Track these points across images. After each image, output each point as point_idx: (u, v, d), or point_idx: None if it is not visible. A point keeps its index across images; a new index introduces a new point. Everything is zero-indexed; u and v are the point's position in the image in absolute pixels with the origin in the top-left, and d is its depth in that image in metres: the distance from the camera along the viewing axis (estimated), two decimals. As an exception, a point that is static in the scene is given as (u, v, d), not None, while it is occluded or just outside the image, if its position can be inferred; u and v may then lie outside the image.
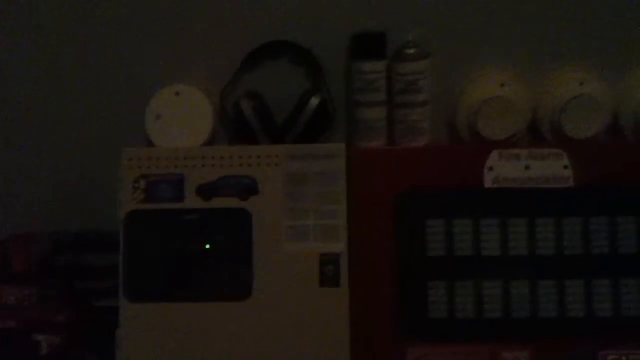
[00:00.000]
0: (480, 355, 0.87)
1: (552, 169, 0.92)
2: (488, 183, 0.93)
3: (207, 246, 0.90)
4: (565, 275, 0.92)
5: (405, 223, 0.93)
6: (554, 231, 0.92)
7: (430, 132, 0.96)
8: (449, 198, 0.93)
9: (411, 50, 0.93)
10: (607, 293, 0.91)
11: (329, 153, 0.91)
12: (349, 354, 0.88)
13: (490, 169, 0.93)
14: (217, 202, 0.90)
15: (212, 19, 0.98)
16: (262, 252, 0.89)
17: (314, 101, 0.94)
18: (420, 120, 0.95)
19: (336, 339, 0.88)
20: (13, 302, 0.97)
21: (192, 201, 0.90)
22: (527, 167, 0.93)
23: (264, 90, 0.97)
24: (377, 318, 0.91)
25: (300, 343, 0.88)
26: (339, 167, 0.91)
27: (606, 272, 0.91)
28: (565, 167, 0.92)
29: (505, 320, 0.91)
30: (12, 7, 1.00)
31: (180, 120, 0.94)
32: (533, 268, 0.92)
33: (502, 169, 0.93)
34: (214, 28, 0.98)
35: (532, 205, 0.92)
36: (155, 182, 0.90)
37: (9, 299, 0.98)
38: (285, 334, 0.88)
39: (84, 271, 0.97)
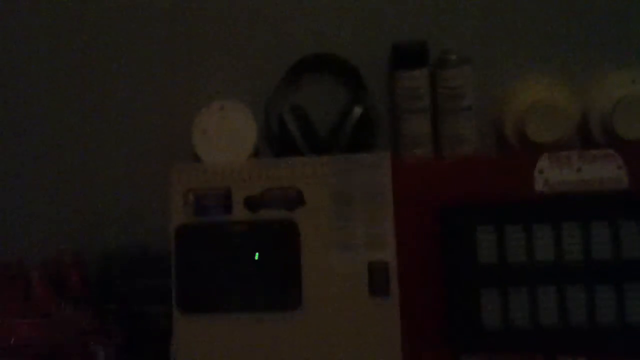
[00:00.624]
0: (537, 365, 0.84)
1: (605, 171, 0.90)
2: (539, 187, 0.91)
3: (256, 257, 0.90)
4: (623, 280, 0.88)
5: (454, 232, 0.91)
6: (610, 234, 0.89)
7: (477, 141, 0.95)
8: (499, 206, 0.91)
9: (453, 56, 0.93)
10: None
11: (374, 162, 0.91)
12: (401, 362, 0.87)
13: (541, 172, 0.91)
14: (265, 214, 0.91)
15: (254, 34, 1.00)
16: (311, 262, 0.89)
17: (357, 111, 0.94)
18: (466, 128, 0.94)
19: (387, 349, 0.87)
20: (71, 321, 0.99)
21: (240, 213, 0.91)
22: (578, 170, 0.90)
23: (307, 104, 0.98)
24: (428, 328, 0.90)
25: (351, 353, 0.87)
26: (384, 175, 0.90)
27: (668, 276, 0.88)
28: (619, 168, 0.90)
29: (561, 328, 0.88)
30: (57, 22, 1.02)
31: (226, 134, 0.95)
32: (589, 273, 0.89)
33: (552, 173, 0.91)
34: (256, 43, 1.00)
35: (585, 209, 0.90)
36: (203, 197, 0.92)
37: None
38: (336, 344, 0.88)
39: (138, 294, 0.98)
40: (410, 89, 0.93)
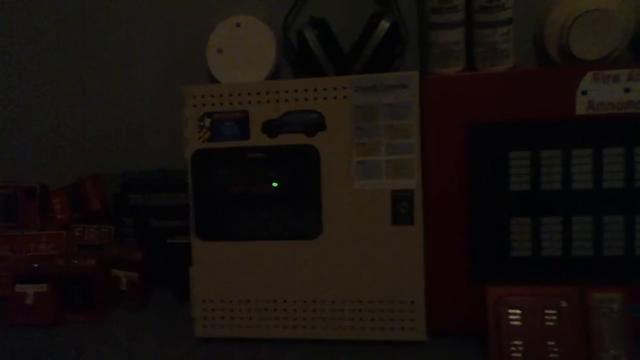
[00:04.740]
0: (568, 297, 0.80)
1: None
2: (581, 109, 0.83)
3: (275, 184, 0.87)
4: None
5: (485, 155, 0.86)
6: (656, 162, 0.82)
7: (515, 55, 0.87)
8: (536, 127, 0.85)
9: (491, -37, 0.83)
10: None
11: (400, 83, 0.84)
12: (424, 295, 0.85)
13: (584, 93, 0.83)
14: (284, 139, 0.87)
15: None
16: (332, 190, 0.86)
17: (384, 24, 0.86)
18: (504, 42, 0.86)
19: (410, 278, 0.85)
20: (94, 241, 1.00)
21: (258, 138, 0.87)
22: (626, 90, 0.82)
23: (329, 16, 0.90)
24: (454, 257, 0.86)
25: (373, 283, 0.86)
26: (411, 97, 0.84)
27: None
28: None
29: (596, 259, 0.84)
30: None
31: (243, 53, 0.90)
32: (629, 202, 0.83)
33: (597, 93, 0.83)
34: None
35: (630, 133, 0.83)
36: (220, 121, 0.88)
37: (90, 238, 1.01)
38: (357, 273, 0.86)
39: (156, 210, 0.97)
40: (444, 0, 0.84)
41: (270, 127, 0.87)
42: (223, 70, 0.90)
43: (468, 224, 0.86)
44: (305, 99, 0.86)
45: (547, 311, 0.79)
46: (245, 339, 0.88)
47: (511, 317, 0.79)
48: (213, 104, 0.88)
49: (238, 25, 0.90)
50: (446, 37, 0.87)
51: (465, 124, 0.86)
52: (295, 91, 0.86)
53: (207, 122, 0.88)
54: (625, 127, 0.83)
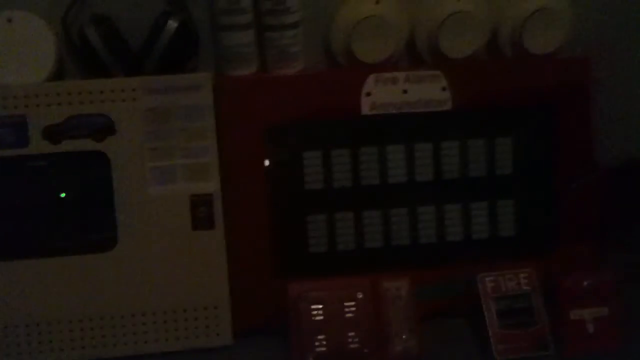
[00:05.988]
0: (362, 287, 0.85)
1: (430, 92, 0.89)
2: (365, 110, 0.88)
3: (62, 195, 0.80)
4: (444, 200, 0.90)
5: (280, 156, 0.88)
6: (432, 156, 0.90)
7: (305, 58, 0.89)
8: (326, 127, 0.88)
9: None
10: (484, 215, 0.91)
11: (193, 84, 0.82)
12: (229, 297, 0.84)
13: (368, 94, 0.88)
14: (69, 146, 0.80)
15: None
16: (125, 198, 0.82)
17: (172, 24, 0.84)
18: (293, 44, 0.88)
19: (214, 283, 0.84)
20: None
21: (38, 146, 0.80)
22: (404, 92, 0.89)
23: (114, 14, 0.85)
24: (255, 257, 0.87)
25: (177, 292, 0.83)
26: (205, 99, 0.83)
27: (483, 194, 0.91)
28: (444, 89, 0.89)
29: (385, 250, 0.90)
30: None
31: (17, 52, 0.81)
32: (411, 195, 0.90)
33: (379, 95, 0.88)
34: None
35: (410, 131, 0.89)
36: (-7, 126, 0.79)
37: None
38: (159, 284, 0.83)
39: None
40: (232, 2, 0.84)
41: (53, 132, 0.80)
42: (-6, 72, 0.81)
43: (268, 223, 0.87)
44: (92, 102, 0.81)
45: (346, 303, 0.83)
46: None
47: (313, 312, 0.82)
48: (-17, 110, 0.78)
49: (10, 20, 0.81)
50: (236, 39, 0.87)
51: (260, 125, 0.87)
52: (80, 93, 0.80)
53: (-23, 129, 0.79)
54: (405, 126, 0.89)
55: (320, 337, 0.81)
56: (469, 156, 0.90)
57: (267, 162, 0.87)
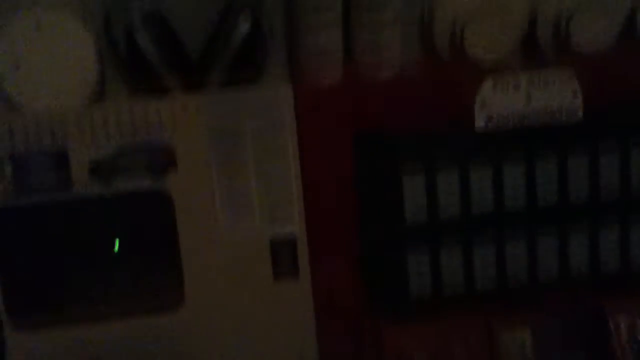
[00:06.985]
0: (474, 336, 0.72)
1: (559, 98, 0.74)
2: (480, 123, 0.74)
3: (116, 247, 0.67)
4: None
5: (373, 181, 0.74)
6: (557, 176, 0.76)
7: (402, 59, 0.73)
8: (430, 144, 0.75)
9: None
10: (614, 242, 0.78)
11: (270, 97, 0.70)
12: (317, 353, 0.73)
13: (483, 103, 0.73)
14: (121, 185, 0.67)
15: None
16: (192, 244, 0.69)
17: (244, 25, 0.68)
18: (388, 45, 0.72)
19: (300, 339, 0.73)
20: None
21: (83, 186, 0.66)
22: (528, 98, 0.74)
23: (169, 12, 0.69)
24: (345, 302, 0.75)
25: (257, 356, 0.71)
26: (284, 115, 0.70)
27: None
28: (575, 94, 0.74)
29: (499, 291, 0.77)
30: None
31: (49, 68, 0.65)
32: (534, 224, 0.76)
33: (497, 106, 0.74)
34: None
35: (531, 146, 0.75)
36: (25, 164, 0.64)
37: None
38: (236, 347, 0.71)
39: None
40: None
41: (101, 170, 0.66)
42: (25, 93, 0.65)
43: (359, 263, 0.75)
44: (146, 127, 0.67)
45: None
46: None
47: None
48: (14, 141, 0.65)
49: (38, 28, 0.64)
50: (320, 39, 0.72)
51: (349, 143, 0.73)
52: (131, 116, 0.66)
53: (8, 168, 0.65)
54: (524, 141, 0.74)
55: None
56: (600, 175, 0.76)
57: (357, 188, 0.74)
